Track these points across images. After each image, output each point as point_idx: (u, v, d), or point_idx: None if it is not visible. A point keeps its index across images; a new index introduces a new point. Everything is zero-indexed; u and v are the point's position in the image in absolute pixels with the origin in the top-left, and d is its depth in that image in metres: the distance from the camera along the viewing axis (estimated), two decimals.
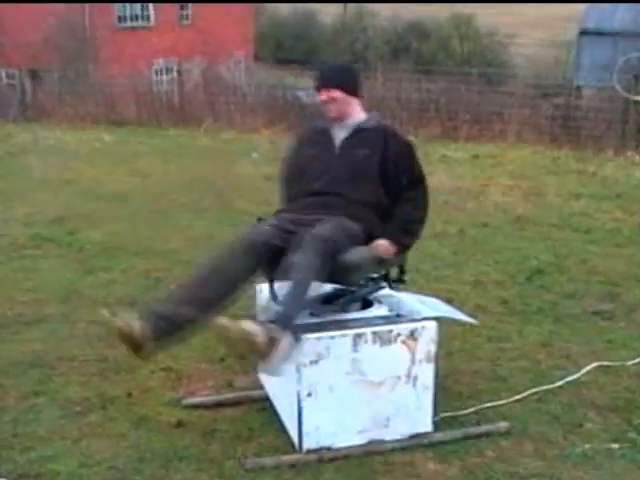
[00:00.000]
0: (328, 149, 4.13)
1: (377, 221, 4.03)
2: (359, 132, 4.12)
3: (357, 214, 3.95)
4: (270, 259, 3.80)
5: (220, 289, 3.71)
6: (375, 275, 4.14)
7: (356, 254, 3.84)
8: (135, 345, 3.55)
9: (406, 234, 4.08)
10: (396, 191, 4.08)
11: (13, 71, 19.01)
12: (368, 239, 3.95)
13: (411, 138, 4.30)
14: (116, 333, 3.57)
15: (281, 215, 4.05)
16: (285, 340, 3.47)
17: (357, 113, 4.19)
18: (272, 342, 3.42)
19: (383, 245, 3.95)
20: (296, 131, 4.48)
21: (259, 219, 4.14)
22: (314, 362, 3.66)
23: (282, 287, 3.86)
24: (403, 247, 4.06)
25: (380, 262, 4.00)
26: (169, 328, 3.62)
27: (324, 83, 4.12)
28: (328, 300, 4.01)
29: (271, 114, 15.77)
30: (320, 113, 4.24)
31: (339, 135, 4.14)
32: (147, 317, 3.58)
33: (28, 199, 8.87)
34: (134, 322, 3.52)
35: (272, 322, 3.51)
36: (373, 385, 3.77)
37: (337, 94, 4.08)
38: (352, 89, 4.15)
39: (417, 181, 4.15)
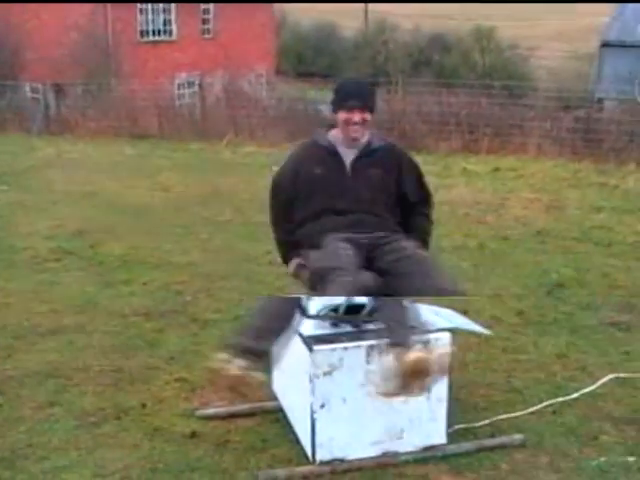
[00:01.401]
0: (338, 169, 3.99)
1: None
2: (369, 152, 4.02)
3: (394, 229, 3.95)
4: None
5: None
6: None
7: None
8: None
9: (424, 246, 4.06)
10: (409, 207, 4.08)
11: (37, 85, 19.15)
12: None
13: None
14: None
15: (333, 236, 3.84)
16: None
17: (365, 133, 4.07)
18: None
19: None
20: (294, 148, 4.29)
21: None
22: (327, 373, 3.66)
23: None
24: None
25: None
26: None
27: (362, 104, 3.92)
28: (355, 310, 3.99)
29: (292, 127, 15.76)
30: (324, 130, 4.11)
31: (348, 154, 4.01)
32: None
33: (50, 212, 8.95)
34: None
35: None
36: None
37: (369, 117, 3.94)
38: (374, 111, 4.04)
39: (428, 197, 4.18)
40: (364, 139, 4.01)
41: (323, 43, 49.50)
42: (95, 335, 5.34)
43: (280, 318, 3.78)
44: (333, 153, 4.01)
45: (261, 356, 3.68)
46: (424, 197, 4.16)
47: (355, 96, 3.93)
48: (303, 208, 4.05)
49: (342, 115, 3.92)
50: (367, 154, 4.01)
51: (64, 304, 5.95)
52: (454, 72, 39.88)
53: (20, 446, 3.91)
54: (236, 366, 3.56)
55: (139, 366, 4.82)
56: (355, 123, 3.91)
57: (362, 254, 3.72)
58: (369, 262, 3.74)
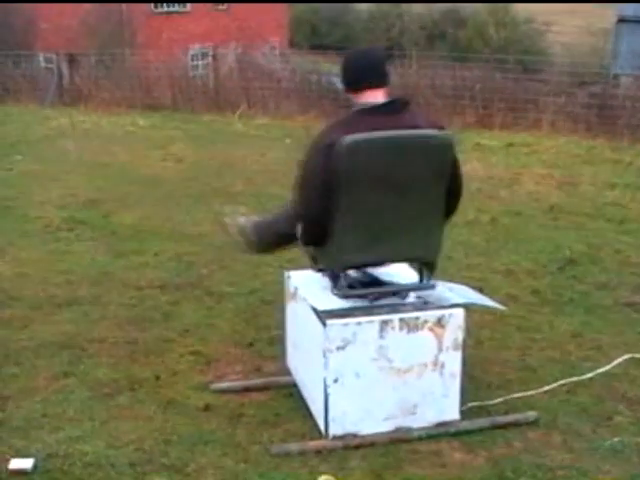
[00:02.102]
0: None
1: None
2: None
3: None
4: None
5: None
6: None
7: None
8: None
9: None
10: None
11: (51, 55, 19.10)
12: None
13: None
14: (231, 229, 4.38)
15: None
16: None
17: None
18: None
19: None
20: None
21: None
22: (341, 348, 3.66)
23: None
24: None
25: None
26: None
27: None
28: (364, 284, 3.99)
29: (305, 100, 15.71)
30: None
31: None
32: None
33: (63, 182, 8.94)
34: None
35: None
36: (400, 372, 3.77)
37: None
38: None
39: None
40: None
41: (337, 15, 49.19)
42: (110, 307, 5.36)
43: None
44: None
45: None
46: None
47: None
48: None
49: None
50: None
51: (79, 275, 5.96)
52: (469, 46, 39.60)
53: (35, 416, 3.93)
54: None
55: (154, 338, 4.83)
56: None
57: None
58: None
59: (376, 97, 3.76)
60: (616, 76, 18.52)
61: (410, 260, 4.02)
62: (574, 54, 33.75)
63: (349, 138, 3.52)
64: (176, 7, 29.49)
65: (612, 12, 26.39)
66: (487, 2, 44.90)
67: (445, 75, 15.64)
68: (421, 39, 43.47)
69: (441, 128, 3.82)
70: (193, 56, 26.25)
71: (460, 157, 4.00)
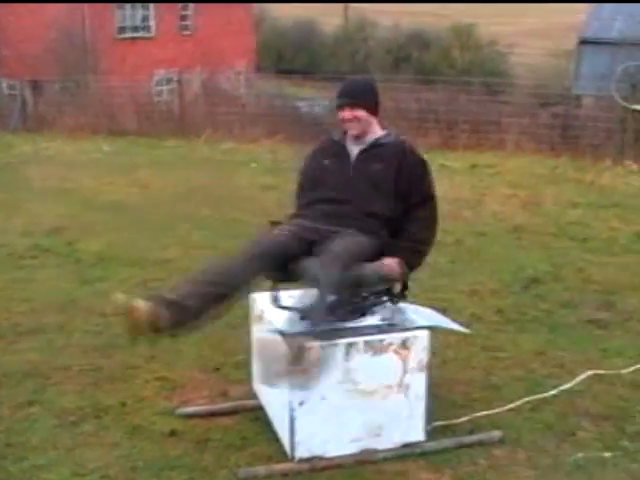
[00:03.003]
0: (343, 161, 4.13)
1: (387, 236, 4.03)
2: (375, 147, 4.12)
3: (371, 228, 3.95)
4: (282, 264, 3.82)
5: (225, 290, 3.66)
6: (378, 289, 4.14)
7: (364, 271, 3.86)
8: (145, 326, 3.45)
9: (415, 255, 4.08)
10: (407, 207, 4.08)
11: (14, 82, 19.06)
12: (377, 254, 3.94)
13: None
14: (128, 314, 3.46)
15: (297, 221, 4.02)
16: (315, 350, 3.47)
17: (376, 130, 4.17)
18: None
19: (390, 265, 3.95)
20: (314, 142, 4.41)
21: (272, 222, 4.11)
22: None
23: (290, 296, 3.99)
24: (410, 267, 4.06)
25: (385, 279, 4.01)
26: (176, 318, 3.52)
27: (349, 102, 4.07)
28: (331, 309, 3.99)
29: (271, 124, 15.79)
30: (339, 126, 4.22)
31: (355, 148, 4.14)
32: (155, 302, 3.50)
33: (27, 209, 8.90)
34: (145, 305, 3.44)
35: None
36: (365, 394, 3.78)
37: (361, 113, 4.07)
38: (374, 108, 4.14)
39: (427, 199, 4.15)
40: (373, 135, 4.14)
41: (303, 40, 49.45)
42: (75, 334, 5.33)
43: (213, 287, 3.64)
44: (341, 147, 4.16)
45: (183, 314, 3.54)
46: (424, 198, 4.12)
47: (345, 94, 4.11)
48: (305, 195, 4.23)
49: (338, 113, 4.12)
50: (371, 149, 4.12)
51: (43, 302, 5.92)
52: (434, 69, 39.90)
53: None
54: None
55: (119, 365, 4.81)
56: (348, 120, 4.08)
57: (303, 243, 3.83)
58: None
59: None
60: (578, 97, 18.76)
61: None
62: (538, 76, 34.18)
63: None
64: (140, 33, 29.45)
65: (574, 34, 26.72)
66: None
67: (410, 98, 15.80)
68: (386, 63, 43.76)
69: None
70: (158, 81, 26.21)
71: None
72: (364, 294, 4.07)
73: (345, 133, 4.18)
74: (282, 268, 3.84)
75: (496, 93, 17.65)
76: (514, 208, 9.25)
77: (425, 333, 3.86)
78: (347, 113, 4.06)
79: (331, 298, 3.74)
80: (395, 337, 3.80)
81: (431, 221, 4.18)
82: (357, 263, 3.78)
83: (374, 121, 4.15)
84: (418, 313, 4.11)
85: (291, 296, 4.04)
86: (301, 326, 3.69)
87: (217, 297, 3.65)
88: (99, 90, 18.10)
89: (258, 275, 3.80)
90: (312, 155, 4.33)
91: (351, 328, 3.87)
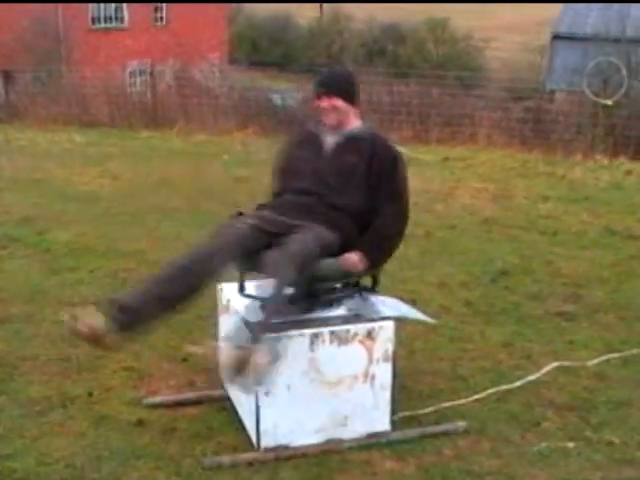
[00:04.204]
0: (317, 152, 4.10)
1: (355, 231, 3.99)
2: (351, 139, 4.09)
3: (337, 222, 3.92)
4: (244, 256, 3.80)
5: (188, 286, 3.64)
6: (347, 282, 4.15)
7: (325, 266, 3.84)
8: (96, 340, 3.46)
9: (378, 251, 4.04)
10: (376, 202, 4.03)
11: None
12: (343, 248, 3.91)
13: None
14: (77, 335, 3.48)
15: (262, 213, 3.97)
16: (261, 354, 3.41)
17: (353, 122, 4.15)
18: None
19: (351, 260, 3.91)
20: (289, 132, 4.43)
21: (240, 213, 4.04)
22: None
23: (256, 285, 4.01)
24: (374, 263, 4.02)
25: (347, 275, 4.00)
26: (132, 321, 3.50)
27: (327, 90, 4.05)
28: (292, 301, 4.00)
29: (244, 117, 15.78)
30: (314, 117, 4.22)
31: (330, 140, 4.11)
32: (109, 310, 3.48)
33: None
34: (95, 320, 3.42)
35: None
36: (330, 384, 3.80)
37: (339, 103, 4.04)
38: (352, 98, 4.11)
39: (396, 195, 4.08)
40: (349, 127, 4.12)
41: (278, 32, 49.38)
42: (43, 324, 5.30)
43: (175, 285, 3.62)
44: (316, 137, 4.15)
45: (140, 318, 3.54)
46: (393, 194, 4.06)
47: (323, 83, 4.11)
48: (276, 185, 4.24)
49: (315, 101, 4.12)
50: (346, 141, 4.09)
51: (11, 292, 5.89)
52: (409, 62, 40.04)
53: None
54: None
55: (87, 355, 4.78)
56: (324, 109, 4.06)
57: (263, 235, 3.79)
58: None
59: None
60: (552, 91, 18.87)
61: None
62: (512, 70, 34.35)
63: None
64: (114, 23, 29.32)
65: (549, 29, 26.87)
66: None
67: (382, 91, 15.81)
68: (361, 56, 43.79)
69: None
70: (131, 73, 26.09)
71: None
72: (332, 286, 4.09)
73: (321, 123, 4.15)
74: (245, 258, 3.82)
75: (469, 87, 17.73)
76: (485, 201, 9.30)
77: (390, 324, 3.88)
78: (325, 102, 4.05)
79: (289, 290, 3.73)
80: (360, 327, 3.82)
81: (398, 218, 4.11)
82: (314, 258, 3.73)
83: (351, 112, 4.12)
84: (385, 304, 4.12)
85: (258, 285, 4.05)
86: (260, 315, 3.69)
87: (178, 294, 3.63)
88: (72, 81, 17.97)
89: (221, 269, 3.76)
90: (286, 145, 4.33)
91: (317, 318, 3.89)
